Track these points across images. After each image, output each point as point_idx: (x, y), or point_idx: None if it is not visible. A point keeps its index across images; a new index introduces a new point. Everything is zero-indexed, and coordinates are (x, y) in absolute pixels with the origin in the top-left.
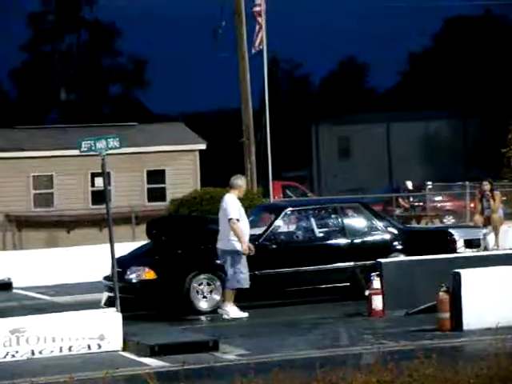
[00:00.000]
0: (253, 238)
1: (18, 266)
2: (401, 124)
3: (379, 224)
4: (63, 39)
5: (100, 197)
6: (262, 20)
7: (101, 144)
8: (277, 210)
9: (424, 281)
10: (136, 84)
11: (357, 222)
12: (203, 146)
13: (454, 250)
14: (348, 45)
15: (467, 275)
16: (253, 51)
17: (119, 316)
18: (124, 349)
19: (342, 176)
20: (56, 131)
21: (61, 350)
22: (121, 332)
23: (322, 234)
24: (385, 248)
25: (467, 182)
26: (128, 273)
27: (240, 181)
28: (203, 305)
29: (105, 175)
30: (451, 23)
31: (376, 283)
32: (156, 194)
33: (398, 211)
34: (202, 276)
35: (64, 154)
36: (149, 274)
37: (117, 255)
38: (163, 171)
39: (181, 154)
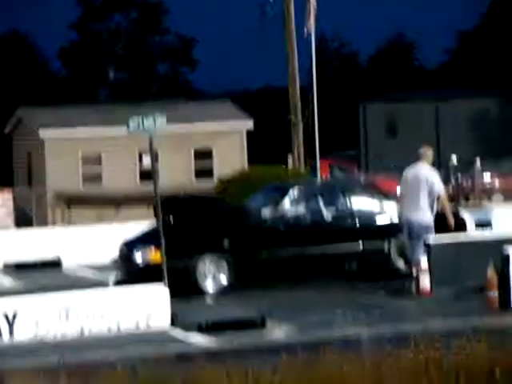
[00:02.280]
0: (259, 219)
1: (67, 244)
2: (450, 102)
3: (388, 205)
4: (111, 18)
5: (148, 175)
6: None
7: (149, 122)
8: (284, 191)
9: (472, 260)
10: (183, 62)
11: (365, 202)
12: (251, 125)
13: (464, 230)
14: (397, 22)
15: None
16: (305, 32)
17: (167, 293)
18: (172, 326)
19: (390, 155)
20: (104, 109)
21: (109, 327)
22: (169, 309)
23: (329, 215)
24: (394, 229)
25: None
26: (135, 254)
27: (431, 152)
28: (209, 286)
29: (152, 153)
30: (501, 0)
31: (424, 262)
32: (203, 173)
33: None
34: (208, 257)
35: (112, 132)
36: (155, 256)
37: (127, 236)
38: (210, 150)
39: (228, 132)
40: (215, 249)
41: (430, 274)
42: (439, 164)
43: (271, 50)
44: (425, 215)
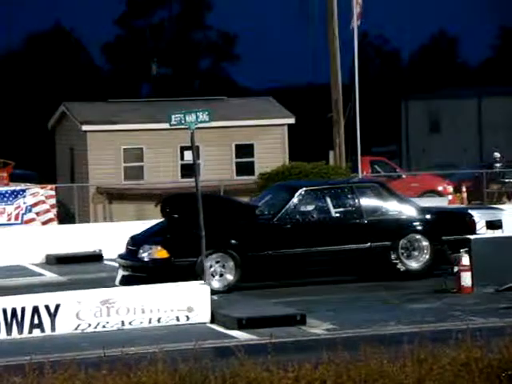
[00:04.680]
0: (267, 218)
1: (108, 238)
2: (492, 99)
3: (398, 205)
4: (154, 13)
5: (189, 170)
6: None
7: (190, 118)
8: (292, 190)
9: None
10: (225, 58)
11: (374, 202)
12: (292, 121)
13: (474, 232)
14: (439, 18)
15: None
16: (352, 28)
17: (207, 288)
18: (212, 321)
19: (431, 151)
20: (147, 105)
21: (150, 322)
22: (209, 304)
23: (337, 215)
24: (402, 229)
25: None
26: (140, 251)
27: None
28: (215, 284)
29: (194, 149)
30: None
31: (465, 260)
32: (244, 168)
33: (491, 187)
34: (214, 255)
35: (154, 127)
36: (161, 253)
37: (134, 233)
38: (252, 145)
39: (269, 128)
40: (222, 247)
41: (471, 271)
42: (481, 160)
43: (314, 47)
44: None
